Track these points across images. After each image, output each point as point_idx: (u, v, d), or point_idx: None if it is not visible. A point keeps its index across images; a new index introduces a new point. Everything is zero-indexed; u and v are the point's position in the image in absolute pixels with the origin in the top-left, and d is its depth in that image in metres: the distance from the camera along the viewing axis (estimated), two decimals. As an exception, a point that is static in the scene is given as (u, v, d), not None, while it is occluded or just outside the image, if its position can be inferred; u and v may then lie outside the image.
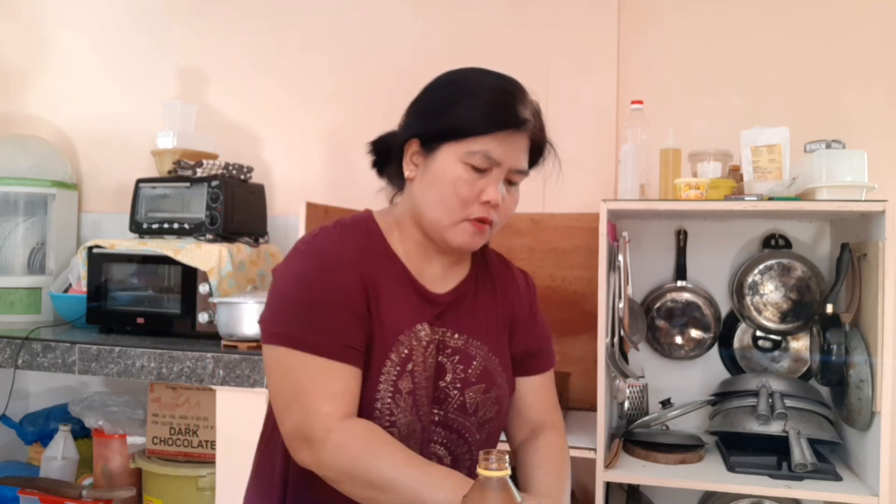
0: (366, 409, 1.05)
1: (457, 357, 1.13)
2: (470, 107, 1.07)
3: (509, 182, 1.11)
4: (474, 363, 1.14)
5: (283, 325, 1.04)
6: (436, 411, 1.11)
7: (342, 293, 1.05)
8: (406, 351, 1.08)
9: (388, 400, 1.06)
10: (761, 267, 2.13)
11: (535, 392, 1.25)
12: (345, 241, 1.10)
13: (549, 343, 1.29)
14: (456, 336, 1.14)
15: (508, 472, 0.86)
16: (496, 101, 1.08)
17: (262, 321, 1.08)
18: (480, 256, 1.24)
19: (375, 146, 1.19)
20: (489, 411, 1.15)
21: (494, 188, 1.07)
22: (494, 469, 0.85)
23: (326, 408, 1.00)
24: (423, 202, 1.10)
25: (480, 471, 0.85)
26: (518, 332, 1.23)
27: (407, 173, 1.12)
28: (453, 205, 1.07)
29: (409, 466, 0.97)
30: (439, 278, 1.16)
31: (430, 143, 1.09)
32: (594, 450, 1.84)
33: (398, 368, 1.07)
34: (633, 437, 2.01)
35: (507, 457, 0.86)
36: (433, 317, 1.13)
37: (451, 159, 1.07)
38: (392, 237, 1.15)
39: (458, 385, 1.12)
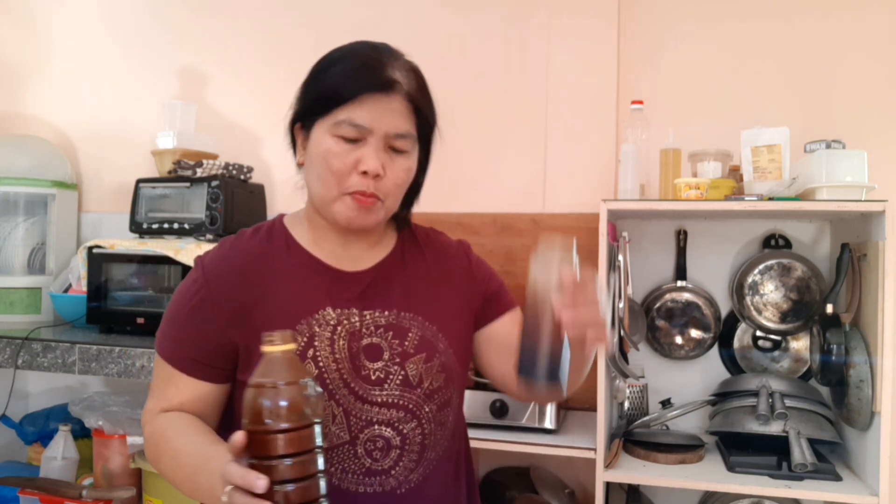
0: None
1: (390, 333, 1.10)
2: (332, 77, 1.04)
3: (395, 150, 1.05)
4: (410, 335, 1.11)
5: (159, 333, 1.12)
6: (377, 392, 1.07)
7: (208, 310, 1.07)
8: (305, 338, 1.05)
9: None
10: (761, 267, 2.13)
11: (513, 325, 1.18)
12: (234, 249, 1.13)
13: (502, 285, 1.25)
14: (386, 313, 1.11)
15: (294, 347, 0.86)
16: (357, 66, 1.03)
17: None
18: (408, 233, 1.21)
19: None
20: (436, 380, 1.10)
21: (371, 157, 1.02)
22: (279, 344, 0.85)
23: (150, 404, 1.09)
24: (308, 184, 1.10)
25: (265, 348, 0.85)
26: (464, 285, 1.19)
27: (297, 159, 1.12)
28: (329, 179, 1.04)
29: (192, 444, 1.00)
30: (359, 259, 1.14)
31: (307, 123, 1.07)
32: (594, 450, 1.84)
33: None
34: (633, 437, 2.01)
35: (291, 336, 0.86)
36: (355, 296, 1.10)
37: (321, 134, 1.05)
38: (300, 231, 1.15)
39: (398, 360, 1.09)
